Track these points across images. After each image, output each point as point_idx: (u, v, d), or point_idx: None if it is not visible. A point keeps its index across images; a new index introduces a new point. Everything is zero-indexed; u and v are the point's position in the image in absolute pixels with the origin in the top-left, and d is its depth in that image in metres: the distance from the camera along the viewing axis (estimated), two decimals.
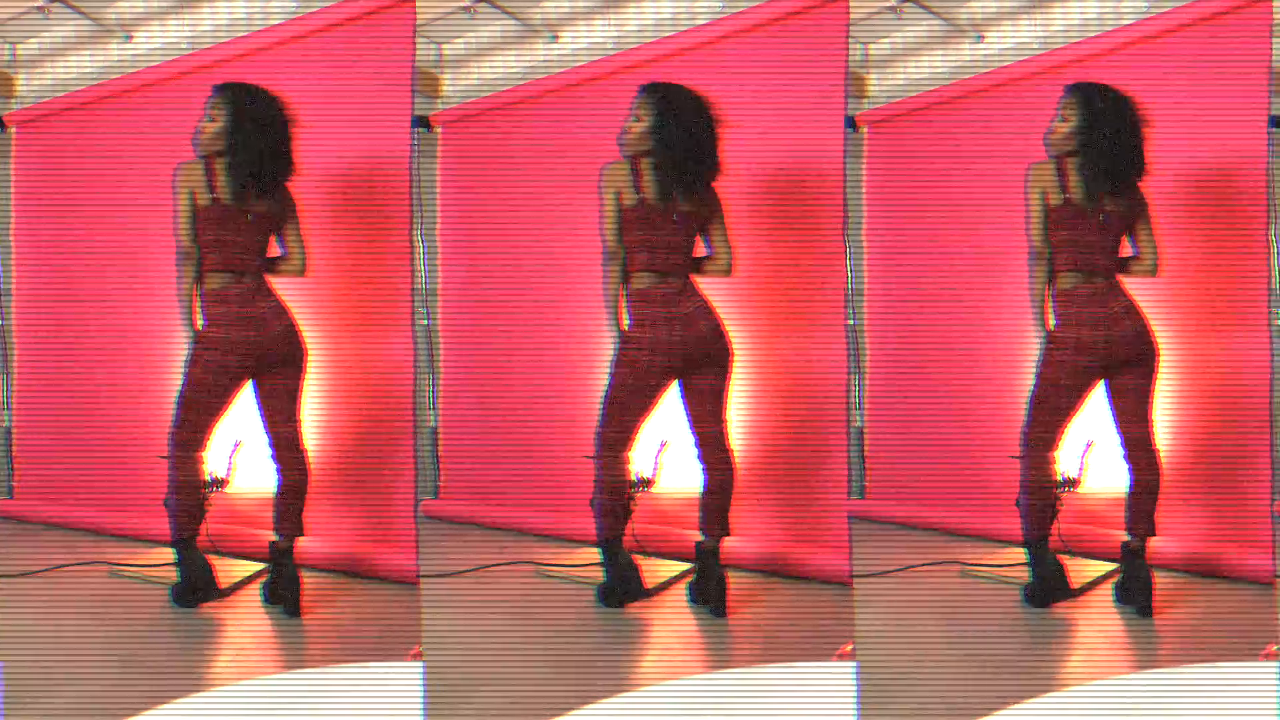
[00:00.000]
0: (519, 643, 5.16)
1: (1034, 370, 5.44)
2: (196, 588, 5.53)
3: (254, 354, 5.42)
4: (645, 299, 5.44)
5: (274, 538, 5.53)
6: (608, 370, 5.48)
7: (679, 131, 5.42)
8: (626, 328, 5.45)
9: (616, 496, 5.52)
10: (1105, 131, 5.36)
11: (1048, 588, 5.48)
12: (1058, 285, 5.41)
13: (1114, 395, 5.46)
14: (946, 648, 5.04)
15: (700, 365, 5.48)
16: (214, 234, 5.39)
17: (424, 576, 5.62)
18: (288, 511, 5.52)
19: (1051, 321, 5.41)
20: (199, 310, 5.42)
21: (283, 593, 5.50)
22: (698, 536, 5.57)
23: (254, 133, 5.40)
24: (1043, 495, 5.45)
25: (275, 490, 5.55)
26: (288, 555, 5.50)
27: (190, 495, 5.48)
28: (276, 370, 5.49)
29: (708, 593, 5.51)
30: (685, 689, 4.86)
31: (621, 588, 5.55)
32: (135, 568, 5.88)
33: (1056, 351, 5.39)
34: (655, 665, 5.00)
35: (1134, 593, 5.45)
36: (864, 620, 5.29)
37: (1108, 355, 5.37)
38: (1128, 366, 5.41)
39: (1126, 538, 5.48)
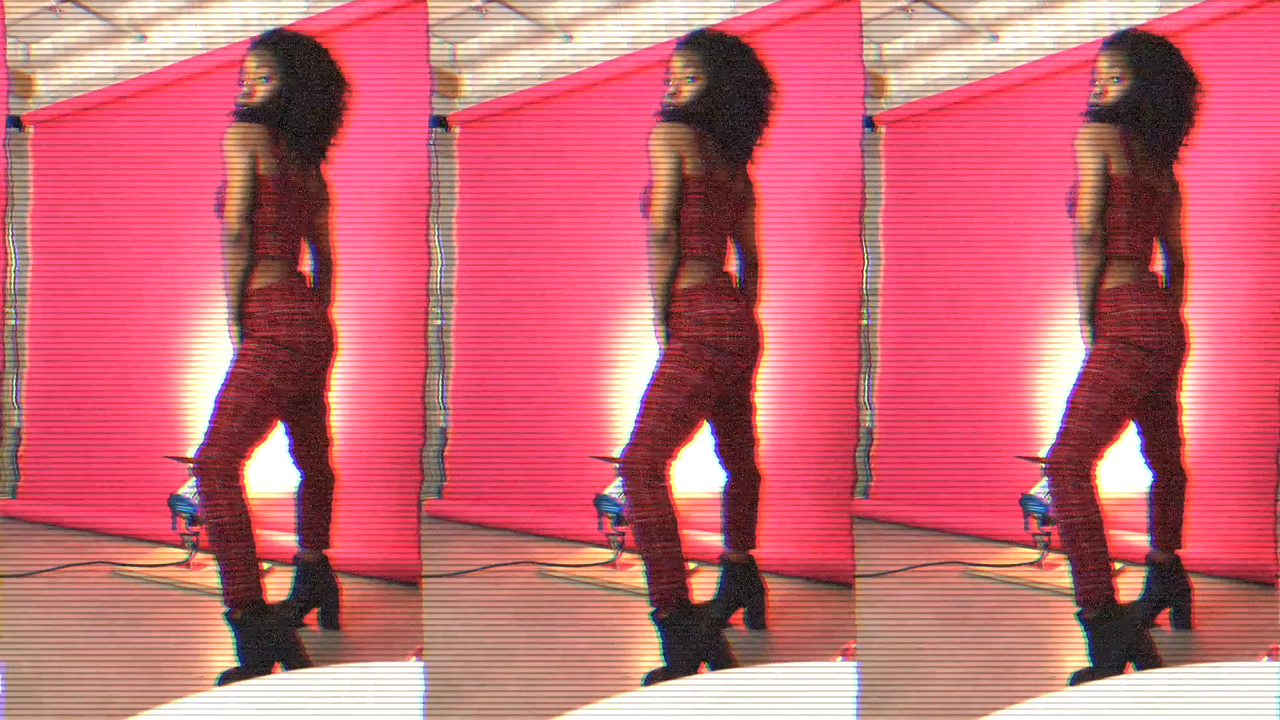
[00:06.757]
0: (519, 643, 5.15)
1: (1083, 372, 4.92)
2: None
3: (321, 359, 5.02)
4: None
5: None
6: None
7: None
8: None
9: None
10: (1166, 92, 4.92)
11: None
12: (1115, 277, 4.87)
13: (1158, 403, 5.07)
14: (947, 648, 5.02)
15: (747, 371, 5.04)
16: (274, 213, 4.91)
17: (426, 576, 5.61)
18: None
19: (1113, 319, 4.86)
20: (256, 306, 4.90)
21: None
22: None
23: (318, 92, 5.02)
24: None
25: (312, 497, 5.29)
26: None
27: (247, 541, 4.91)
28: (322, 376, 5.10)
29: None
30: (686, 689, 4.85)
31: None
32: (138, 568, 5.89)
33: (1129, 353, 4.86)
34: (655, 665, 4.97)
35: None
36: (865, 620, 5.27)
37: (1174, 359, 4.95)
38: (1174, 371, 5.00)
39: (1153, 550, 5.22)
